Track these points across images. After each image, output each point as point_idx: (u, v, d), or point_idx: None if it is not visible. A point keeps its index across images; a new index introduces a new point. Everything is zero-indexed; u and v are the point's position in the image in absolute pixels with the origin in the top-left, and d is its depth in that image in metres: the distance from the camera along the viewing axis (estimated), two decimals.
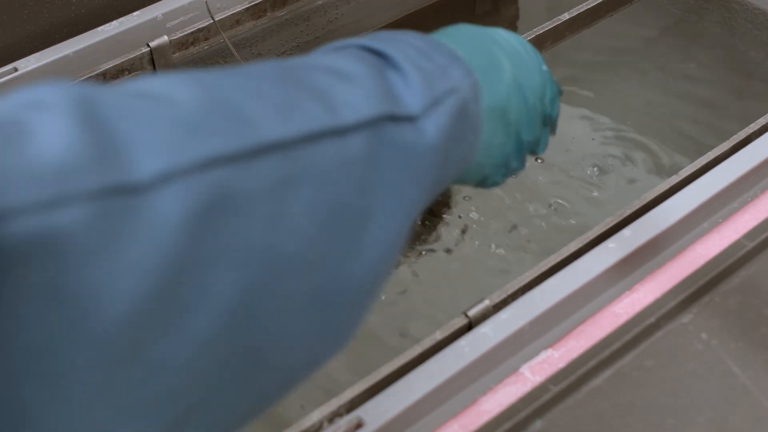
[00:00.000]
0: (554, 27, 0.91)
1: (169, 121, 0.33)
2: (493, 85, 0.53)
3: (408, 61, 0.45)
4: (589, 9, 0.93)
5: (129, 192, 0.31)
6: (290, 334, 0.37)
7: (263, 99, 0.37)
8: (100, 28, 0.94)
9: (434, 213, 0.93)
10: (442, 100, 0.45)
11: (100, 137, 0.31)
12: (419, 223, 0.94)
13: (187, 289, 0.32)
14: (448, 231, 1.34)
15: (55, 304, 0.29)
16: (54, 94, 0.32)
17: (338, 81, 0.41)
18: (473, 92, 0.49)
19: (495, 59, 0.54)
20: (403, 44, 0.47)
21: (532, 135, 0.57)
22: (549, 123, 0.61)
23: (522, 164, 0.60)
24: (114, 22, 0.94)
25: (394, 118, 0.41)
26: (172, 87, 0.35)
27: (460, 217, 1.24)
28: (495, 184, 0.60)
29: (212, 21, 0.96)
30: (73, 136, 0.30)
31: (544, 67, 0.60)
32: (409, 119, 0.42)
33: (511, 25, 1.41)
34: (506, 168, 0.58)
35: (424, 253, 0.95)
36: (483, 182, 0.59)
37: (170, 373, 0.32)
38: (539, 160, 1.43)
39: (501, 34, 0.57)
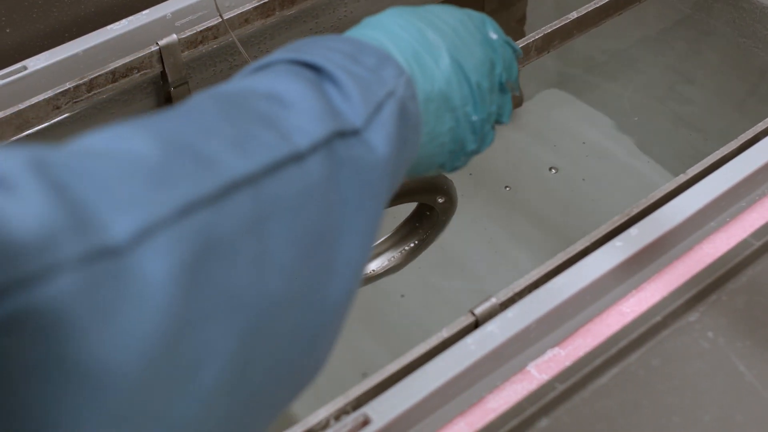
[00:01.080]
0: (562, 26, 0.91)
1: (130, 175, 0.32)
2: (430, 72, 0.51)
3: (341, 70, 0.43)
4: (597, 8, 0.93)
5: (110, 255, 0.29)
6: (282, 371, 0.36)
7: (217, 136, 0.35)
8: (109, 27, 0.94)
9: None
10: (382, 106, 0.43)
11: (66, 203, 0.30)
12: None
13: (188, 345, 0.31)
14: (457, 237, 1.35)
15: (60, 376, 0.28)
16: (9, 162, 0.30)
17: (280, 106, 0.39)
18: (409, 90, 0.47)
19: (429, 44, 0.52)
20: (330, 51, 0.45)
21: (485, 111, 0.56)
22: (507, 89, 0.59)
23: (483, 141, 0.58)
24: (123, 21, 0.94)
25: (342, 134, 0.40)
26: (121, 141, 0.33)
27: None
28: (455, 168, 0.58)
29: (221, 20, 0.96)
30: (42, 206, 0.29)
31: (493, 35, 0.58)
32: (354, 133, 0.41)
33: (520, 24, 1.41)
34: (463, 151, 0.56)
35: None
36: (441, 169, 0.57)
37: (179, 429, 0.32)
38: (553, 170, 1.43)
39: (434, 11, 0.55)
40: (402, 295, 1.27)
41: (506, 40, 0.60)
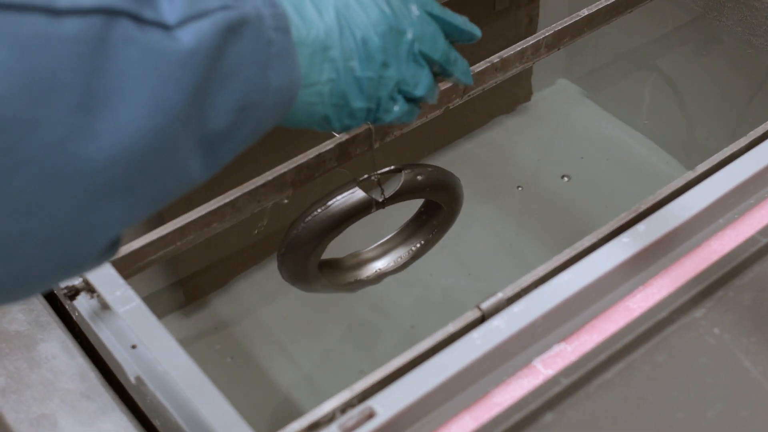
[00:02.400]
0: (573, 23, 0.91)
1: None
2: (309, 19, 0.56)
3: None
4: (608, 5, 0.93)
5: None
6: (11, 203, 0.39)
7: None
8: None
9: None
10: (208, 15, 0.46)
11: None
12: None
13: None
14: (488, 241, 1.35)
15: None
16: None
17: None
18: (276, 21, 0.51)
19: None
20: None
21: (373, 71, 0.60)
22: (428, 64, 0.63)
23: (383, 107, 0.62)
24: None
25: (138, 20, 0.43)
26: None
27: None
28: (346, 126, 0.61)
29: None
30: None
31: (415, 10, 0.62)
32: (161, 26, 0.44)
33: (531, 21, 1.41)
34: (349, 108, 0.60)
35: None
36: (327, 124, 0.60)
37: None
38: (566, 178, 1.43)
39: None
40: (412, 326, 1.27)
41: (442, 17, 0.64)
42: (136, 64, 0.42)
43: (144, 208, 0.45)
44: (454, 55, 0.66)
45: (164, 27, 0.44)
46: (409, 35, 0.61)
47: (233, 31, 0.47)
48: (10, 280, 0.42)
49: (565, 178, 1.43)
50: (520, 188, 1.42)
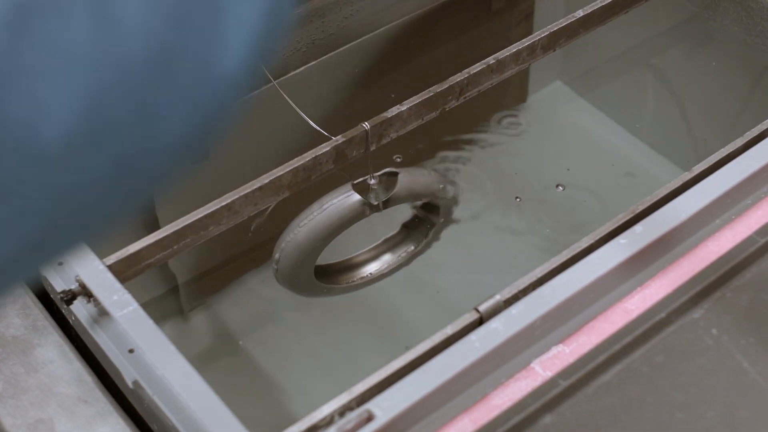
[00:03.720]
0: (568, 24, 0.91)
1: None
2: None
3: None
4: (603, 6, 0.93)
5: None
6: (160, 137, 0.36)
7: None
8: None
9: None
10: None
11: None
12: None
13: (19, 103, 0.32)
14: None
15: None
16: None
17: None
18: None
19: None
20: None
21: None
22: None
23: None
24: None
25: None
26: None
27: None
28: None
29: None
30: None
31: None
32: None
33: (527, 21, 1.41)
34: None
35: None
36: None
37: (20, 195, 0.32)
38: (560, 188, 1.43)
39: None
40: (407, 347, 1.27)
41: None
42: None
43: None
44: None
45: None
46: None
47: None
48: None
49: (560, 188, 1.43)
50: (518, 199, 1.42)
